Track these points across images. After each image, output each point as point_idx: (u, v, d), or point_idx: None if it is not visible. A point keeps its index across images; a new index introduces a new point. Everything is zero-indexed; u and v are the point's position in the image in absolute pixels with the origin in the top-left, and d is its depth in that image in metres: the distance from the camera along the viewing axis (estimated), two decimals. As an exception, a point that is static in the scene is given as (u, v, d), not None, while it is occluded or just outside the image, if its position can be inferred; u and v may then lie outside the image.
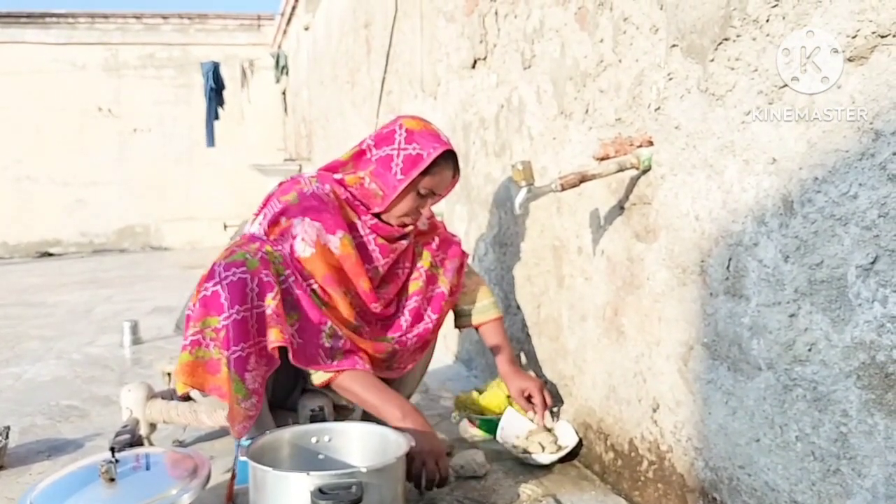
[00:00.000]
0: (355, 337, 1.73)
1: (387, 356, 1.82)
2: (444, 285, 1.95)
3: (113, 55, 11.78)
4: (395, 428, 1.57)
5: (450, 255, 1.99)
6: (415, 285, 1.91)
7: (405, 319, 1.87)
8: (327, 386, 1.67)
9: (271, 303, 1.57)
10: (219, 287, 1.56)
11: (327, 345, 1.64)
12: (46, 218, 11.54)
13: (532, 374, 2.10)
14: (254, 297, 1.56)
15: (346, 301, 1.72)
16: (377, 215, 1.78)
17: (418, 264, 1.93)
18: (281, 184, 1.81)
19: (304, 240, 1.66)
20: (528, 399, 1.92)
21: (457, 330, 2.04)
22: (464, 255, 2.04)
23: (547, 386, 2.00)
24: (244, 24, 12.21)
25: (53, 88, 11.43)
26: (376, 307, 1.80)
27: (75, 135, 11.58)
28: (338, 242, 1.70)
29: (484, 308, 2.04)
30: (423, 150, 1.71)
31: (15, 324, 4.45)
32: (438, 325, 1.95)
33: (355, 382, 1.66)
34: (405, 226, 1.82)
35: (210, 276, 1.59)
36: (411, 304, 1.89)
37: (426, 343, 1.93)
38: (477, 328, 2.06)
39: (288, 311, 1.61)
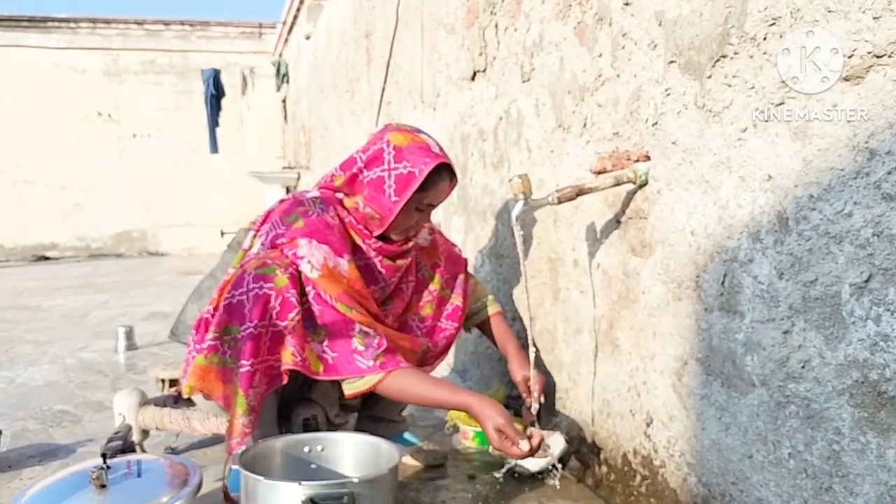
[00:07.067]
0: (392, 333, 1.72)
1: (420, 354, 1.85)
2: (456, 300, 1.98)
3: (114, 60, 11.80)
4: (474, 410, 1.55)
5: (455, 272, 2.02)
6: (427, 308, 1.93)
7: (423, 340, 1.89)
8: (368, 393, 1.61)
9: (290, 322, 1.54)
10: (245, 297, 1.54)
11: (360, 348, 1.59)
12: (43, 222, 11.52)
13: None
14: (273, 315, 1.54)
15: (364, 312, 1.67)
16: (380, 235, 1.76)
17: (430, 287, 1.95)
18: (282, 201, 1.77)
19: (311, 262, 1.60)
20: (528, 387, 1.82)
21: (463, 331, 2.08)
22: (465, 264, 2.06)
23: (549, 384, 2.00)
24: (245, 31, 12.25)
25: (53, 93, 11.44)
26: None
27: (74, 139, 11.58)
28: (346, 266, 1.66)
29: (483, 305, 2.04)
30: (415, 168, 1.65)
31: (9, 327, 4.44)
32: (458, 331, 1.98)
33: (411, 379, 1.60)
34: (408, 239, 1.82)
35: (238, 283, 1.56)
36: (427, 324, 1.92)
37: (450, 344, 1.96)
38: (479, 325, 2.06)
39: (314, 328, 1.59)
